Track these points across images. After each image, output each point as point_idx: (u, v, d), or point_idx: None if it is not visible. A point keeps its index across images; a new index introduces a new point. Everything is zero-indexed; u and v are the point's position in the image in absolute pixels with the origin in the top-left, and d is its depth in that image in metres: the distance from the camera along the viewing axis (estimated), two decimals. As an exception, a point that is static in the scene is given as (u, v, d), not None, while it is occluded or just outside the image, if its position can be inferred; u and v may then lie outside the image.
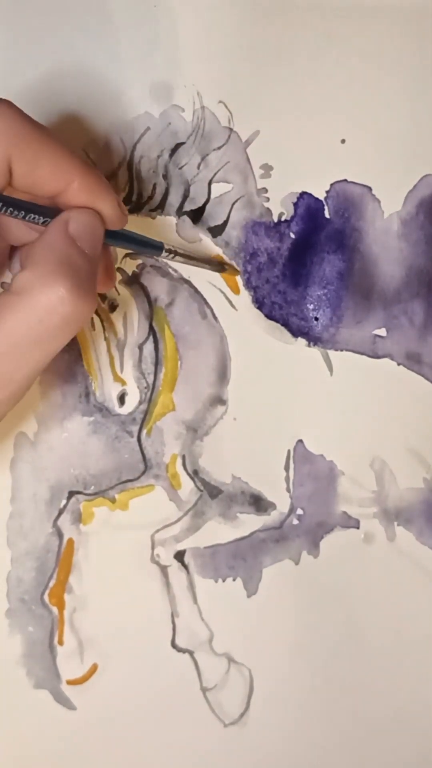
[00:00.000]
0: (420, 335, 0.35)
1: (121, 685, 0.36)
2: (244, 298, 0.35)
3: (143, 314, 0.35)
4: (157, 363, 0.35)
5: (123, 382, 0.35)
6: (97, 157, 0.34)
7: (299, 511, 0.36)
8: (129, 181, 0.34)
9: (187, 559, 0.36)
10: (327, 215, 0.35)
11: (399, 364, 0.35)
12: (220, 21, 0.34)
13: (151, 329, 0.35)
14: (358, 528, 0.36)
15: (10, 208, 0.27)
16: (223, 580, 0.36)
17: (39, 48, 0.34)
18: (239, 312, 0.35)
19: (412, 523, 0.36)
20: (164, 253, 0.32)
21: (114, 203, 0.29)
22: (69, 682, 0.36)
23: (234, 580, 0.36)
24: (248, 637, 0.36)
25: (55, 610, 0.36)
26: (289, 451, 0.36)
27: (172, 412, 0.35)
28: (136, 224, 0.34)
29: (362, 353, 0.35)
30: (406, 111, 0.34)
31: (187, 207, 0.35)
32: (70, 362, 0.35)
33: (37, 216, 0.28)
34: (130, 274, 0.35)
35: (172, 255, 0.32)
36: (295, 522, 0.36)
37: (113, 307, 0.35)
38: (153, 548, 0.36)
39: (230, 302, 0.35)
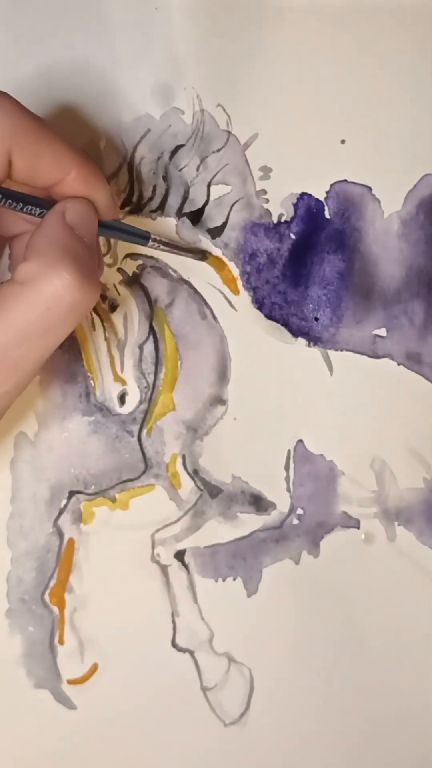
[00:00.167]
0: (420, 335, 0.35)
1: (121, 684, 0.36)
2: (244, 298, 0.35)
3: (143, 314, 0.35)
4: (157, 363, 0.35)
5: (123, 382, 0.35)
6: (98, 157, 0.34)
7: (299, 511, 0.36)
8: (129, 182, 0.34)
9: (187, 558, 0.36)
10: (327, 215, 0.35)
11: (399, 364, 0.35)
12: (219, 24, 0.34)
13: (152, 329, 0.35)
14: (358, 528, 0.36)
15: (9, 200, 0.27)
16: (224, 580, 0.36)
17: (39, 48, 0.34)
18: (239, 312, 0.35)
19: (412, 523, 0.36)
20: (150, 242, 0.32)
21: (108, 193, 0.29)
22: (69, 682, 0.36)
23: (234, 579, 0.36)
24: (248, 636, 0.36)
25: (55, 609, 0.36)
26: (289, 451, 0.36)
27: (172, 411, 0.35)
28: (136, 225, 0.34)
29: (362, 353, 0.35)
30: (406, 111, 0.34)
31: (187, 209, 0.35)
32: (70, 362, 0.35)
33: (34, 207, 0.28)
34: (130, 274, 0.35)
35: (157, 244, 0.32)
36: (295, 522, 0.36)
37: (113, 307, 0.35)
38: (153, 548, 0.36)
39: (230, 303, 0.35)
